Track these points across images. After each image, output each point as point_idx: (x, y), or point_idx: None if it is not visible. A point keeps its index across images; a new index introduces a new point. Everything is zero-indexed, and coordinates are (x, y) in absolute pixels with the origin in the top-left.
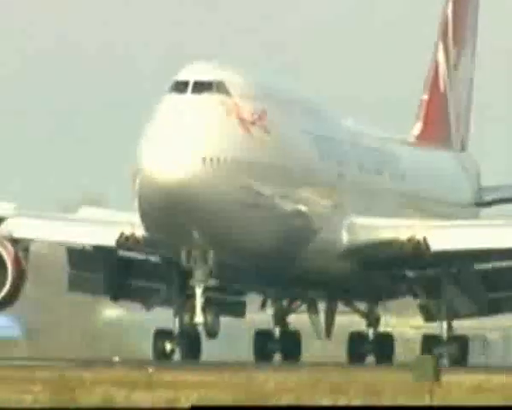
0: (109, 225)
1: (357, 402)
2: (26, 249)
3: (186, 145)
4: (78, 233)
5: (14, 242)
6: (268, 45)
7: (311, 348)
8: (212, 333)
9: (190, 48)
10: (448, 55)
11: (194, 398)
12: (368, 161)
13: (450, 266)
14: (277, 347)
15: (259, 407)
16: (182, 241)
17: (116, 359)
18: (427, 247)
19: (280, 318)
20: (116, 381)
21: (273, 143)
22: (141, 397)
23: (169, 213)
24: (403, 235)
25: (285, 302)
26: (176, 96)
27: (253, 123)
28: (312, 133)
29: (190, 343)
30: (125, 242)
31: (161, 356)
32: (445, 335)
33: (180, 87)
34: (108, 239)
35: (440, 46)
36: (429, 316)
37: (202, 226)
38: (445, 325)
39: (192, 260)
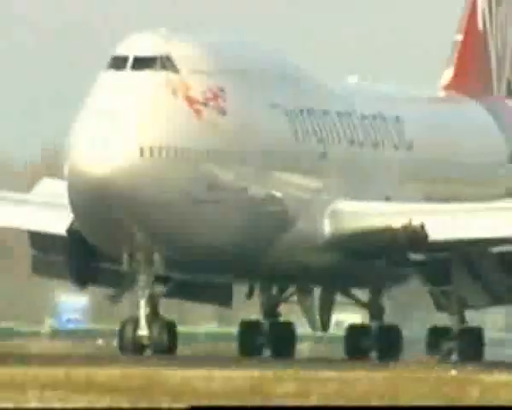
0: (63, 208)
1: None
2: None
3: (120, 133)
4: (27, 218)
5: None
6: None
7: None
8: (160, 347)
9: None
10: None
11: None
12: (362, 132)
13: (460, 250)
14: (266, 341)
15: (260, 407)
16: (121, 242)
17: None
18: (426, 235)
19: (269, 308)
20: None
21: (230, 125)
22: None
23: (100, 211)
24: (396, 222)
25: (275, 291)
26: (112, 74)
27: (205, 104)
28: (287, 107)
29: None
30: (78, 230)
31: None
32: (455, 327)
33: (118, 63)
34: (59, 226)
35: None
36: (441, 305)
37: (143, 226)
38: (455, 315)
39: (135, 263)
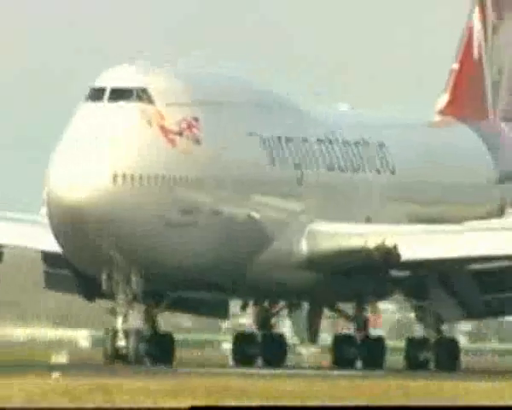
0: None
1: None
2: None
3: (94, 161)
4: (35, 238)
5: None
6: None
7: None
8: (136, 358)
9: None
10: (486, 19)
11: None
12: (343, 158)
13: (435, 268)
14: (259, 351)
15: (260, 407)
16: (99, 264)
17: None
18: (398, 255)
19: (262, 320)
20: None
21: (205, 153)
22: None
23: (76, 235)
24: (371, 242)
25: (267, 304)
26: (90, 105)
27: (179, 133)
28: (264, 135)
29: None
30: None
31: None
32: (432, 338)
33: (96, 95)
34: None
35: (476, 9)
36: (419, 318)
37: (118, 249)
38: (431, 328)
39: (114, 283)
